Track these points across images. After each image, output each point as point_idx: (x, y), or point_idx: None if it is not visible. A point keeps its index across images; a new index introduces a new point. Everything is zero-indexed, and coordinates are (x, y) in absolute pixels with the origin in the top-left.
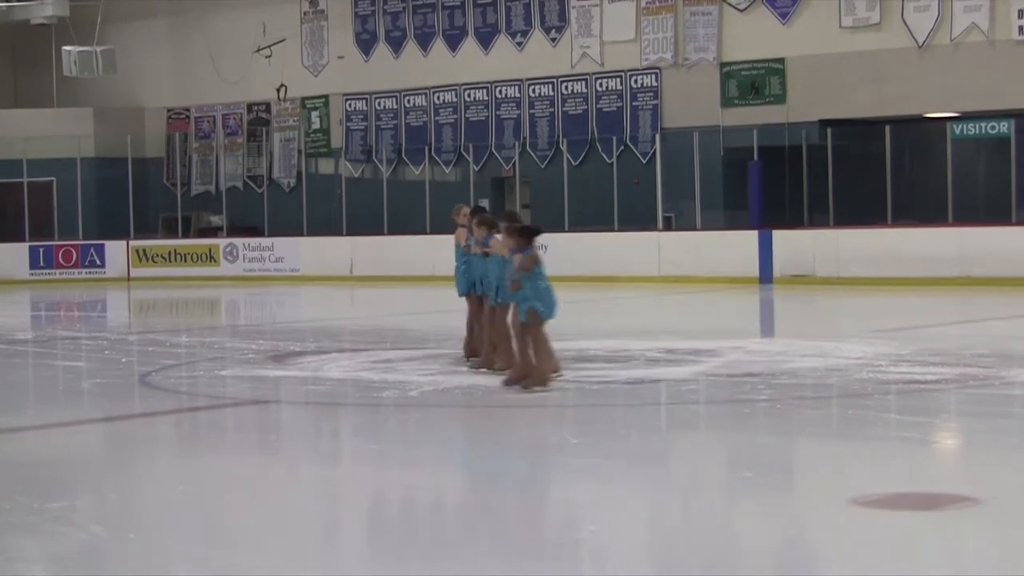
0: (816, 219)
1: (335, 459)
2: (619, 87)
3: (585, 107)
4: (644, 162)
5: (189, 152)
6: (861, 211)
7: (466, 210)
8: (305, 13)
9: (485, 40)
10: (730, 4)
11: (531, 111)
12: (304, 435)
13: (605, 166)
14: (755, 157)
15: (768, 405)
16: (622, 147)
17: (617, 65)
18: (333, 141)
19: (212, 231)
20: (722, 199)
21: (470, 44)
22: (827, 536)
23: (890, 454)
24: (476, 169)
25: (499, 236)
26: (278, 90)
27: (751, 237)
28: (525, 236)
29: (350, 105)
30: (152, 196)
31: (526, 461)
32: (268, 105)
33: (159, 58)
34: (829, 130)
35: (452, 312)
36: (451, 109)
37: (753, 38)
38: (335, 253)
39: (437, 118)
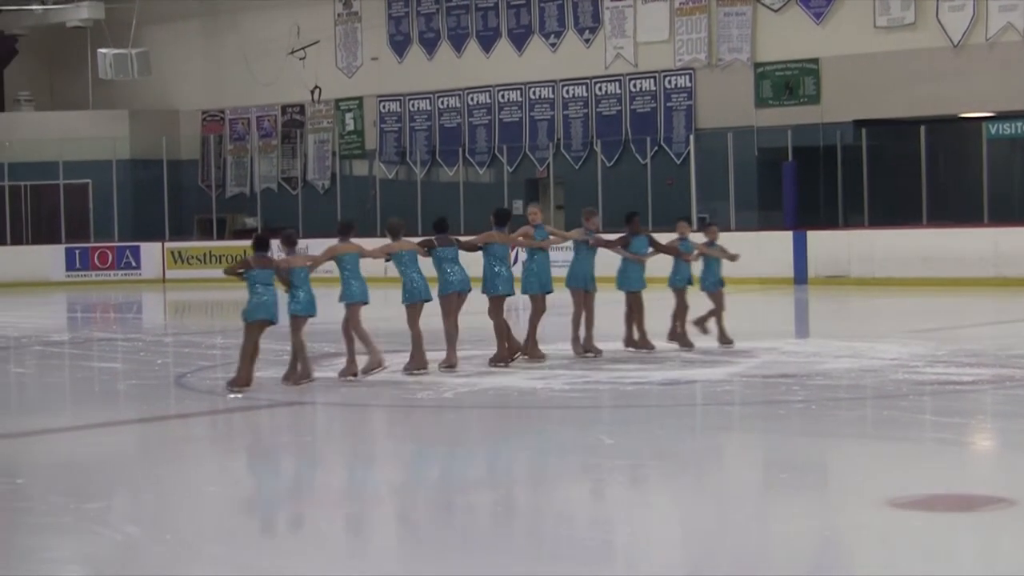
0: (851, 220)
1: (370, 460)
2: (653, 88)
3: (619, 108)
4: (678, 163)
5: (224, 154)
6: (896, 212)
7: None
8: (339, 15)
9: (519, 41)
10: (764, 4)
11: (565, 112)
12: (339, 436)
13: (639, 167)
14: (789, 158)
15: (803, 406)
16: (656, 148)
17: (651, 66)
18: (367, 143)
19: (247, 233)
20: (756, 200)
21: (503, 45)
22: (863, 537)
23: (925, 455)
24: (510, 170)
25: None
26: (312, 92)
27: (786, 238)
28: None
29: (384, 107)
30: (187, 198)
31: (561, 462)
32: (302, 107)
33: (193, 60)
34: (864, 130)
35: (485, 314)
36: (485, 110)
37: (787, 38)
38: None
39: (471, 119)
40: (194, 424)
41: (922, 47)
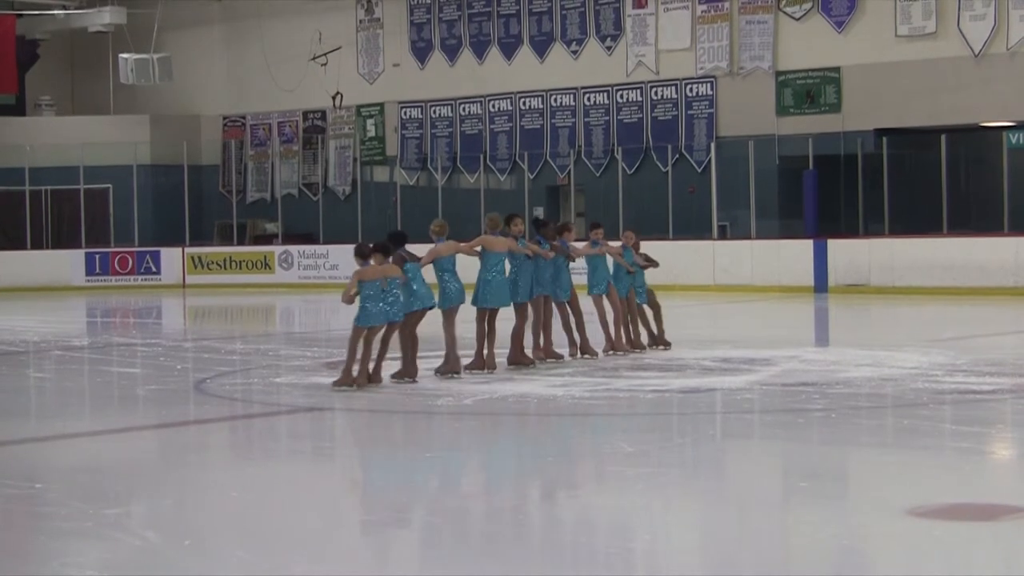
0: (871, 228)
1: (389, 466)
2: (674, 95)
3: (640, 115)
4: (699, 171)
5: (244, 159)
6: (916, 220)
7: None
8: (361, 21)
9: (540, 48)
10: (786, 13)
11: (586, 119)
12: (358, 442)
13: (660, 175)
14: (810, 166)
15: (823, 414)
16: (677, 156)
17: (672, 74)
18: (388, 149)
19: (267, 238)
20: (777, 208)
21: (525, 52)
22: (883, 546)
23: (946, 464)
24: (531, 177)
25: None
26: (334, 98)
27: (806, 246)
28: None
29: (405, 113)
30: (207, 203)
31: (580, 469)
32: (323, 113)
33: (215, 66)
34: (884, 139)
35: (505, 320)
36: (506, 117)
37: (808, 47)
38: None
39: (492, 126)
40: (213, 429)
41: (943, 56)
